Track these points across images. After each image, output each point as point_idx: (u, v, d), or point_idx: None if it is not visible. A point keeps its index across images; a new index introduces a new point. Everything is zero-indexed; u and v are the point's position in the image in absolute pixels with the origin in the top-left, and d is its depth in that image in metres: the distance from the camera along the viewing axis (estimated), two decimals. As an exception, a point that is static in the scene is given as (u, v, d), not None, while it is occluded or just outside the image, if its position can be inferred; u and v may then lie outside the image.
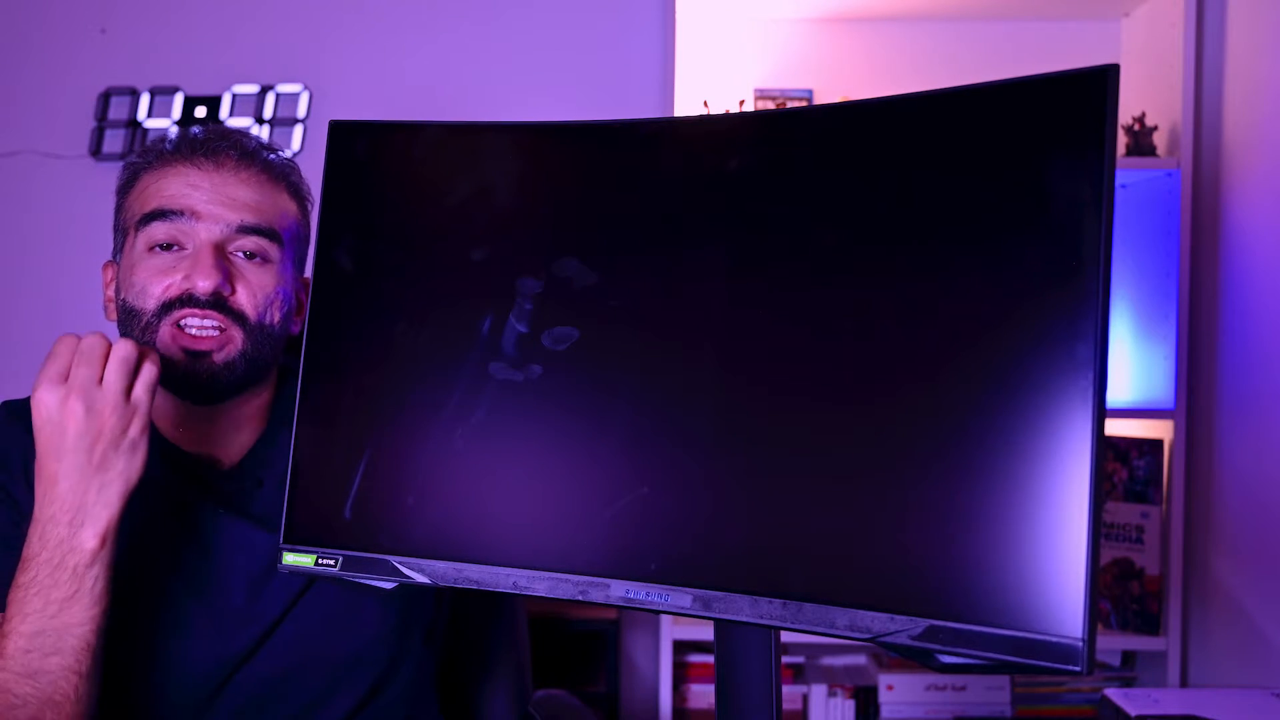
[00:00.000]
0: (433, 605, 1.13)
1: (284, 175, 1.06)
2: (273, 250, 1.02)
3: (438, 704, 1.15)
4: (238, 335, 1.00)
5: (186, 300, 0.98)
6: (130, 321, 1.00)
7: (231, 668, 1.00)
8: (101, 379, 0.87)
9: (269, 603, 1.02)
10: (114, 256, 1.07)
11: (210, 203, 1.00)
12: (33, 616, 0.87)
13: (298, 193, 1.07)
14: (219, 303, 0.98)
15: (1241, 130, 1.96)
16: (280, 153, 1.07)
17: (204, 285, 0.97)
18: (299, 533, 0.87)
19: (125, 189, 1.05)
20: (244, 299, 1.00)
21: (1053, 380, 0.65)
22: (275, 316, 1.02)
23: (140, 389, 0.88)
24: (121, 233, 1.05)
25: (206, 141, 1.02)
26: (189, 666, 0.99)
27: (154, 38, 2.33)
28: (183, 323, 0.99)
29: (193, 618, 1.00)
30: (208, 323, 0.99)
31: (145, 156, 1.05)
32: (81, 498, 0.87)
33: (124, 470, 0.88)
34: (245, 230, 1.00)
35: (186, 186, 1.00)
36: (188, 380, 0.99)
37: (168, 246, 1.00)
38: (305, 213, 1.08)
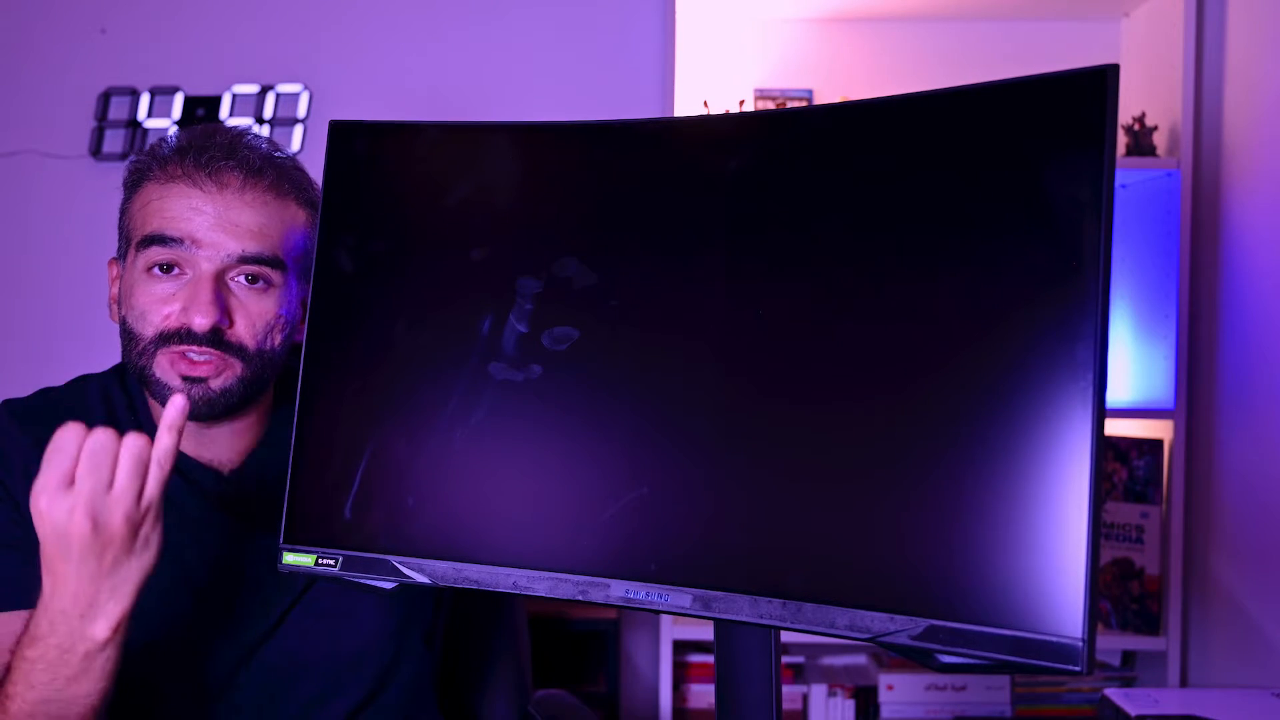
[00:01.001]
0: (433, 605, 1.13)
1: (293, 185, 1.02)
2: (275, 276, 0.99)
3: (437, 704, 1.15)
4: (236, 364, 0.98)
5: (185, 336, 0.96)
6: (129, 343, 0.99)
7: (231, 668, 1.00)
8: (112, 482, 0.80)
9: (269, 604, 1.02)
10: (118, 255, 1.05)
11: (212, 229, 0.97)
12: (39, 688, 0.84)
13: (308, 200, 1.03)
14: (216, 338, 0.97)
15: (1241, 130, 1.96)
16: (288, 155, 1.04)
17: (201, 323, 0.95)
18: (299, 533, 0.87)
19: (130, 189, 1.03)
20: (243, 330, 0.98)
21: (1052, 380, 0.65)
22: (275, 340, 1.01)
23: (152, 486, 0.82)
24: (124, 238, 1.03)
25: (211, 158, 0.98)
26: (189, 667, 0.99)
27: (154, 38, 2.33)
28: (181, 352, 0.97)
29: (193, 619, 1.00)
30: (204, 357, 0.97)
31: (151, 157, 1.01)
32: (93, 598, 0.83)
33: (137, 567, 0.84)
34: (247, 260, 0.98)
35: (189, 210, 0.97)
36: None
37: (167, 269, 0.98)
38: (315, 217, 1.05)
